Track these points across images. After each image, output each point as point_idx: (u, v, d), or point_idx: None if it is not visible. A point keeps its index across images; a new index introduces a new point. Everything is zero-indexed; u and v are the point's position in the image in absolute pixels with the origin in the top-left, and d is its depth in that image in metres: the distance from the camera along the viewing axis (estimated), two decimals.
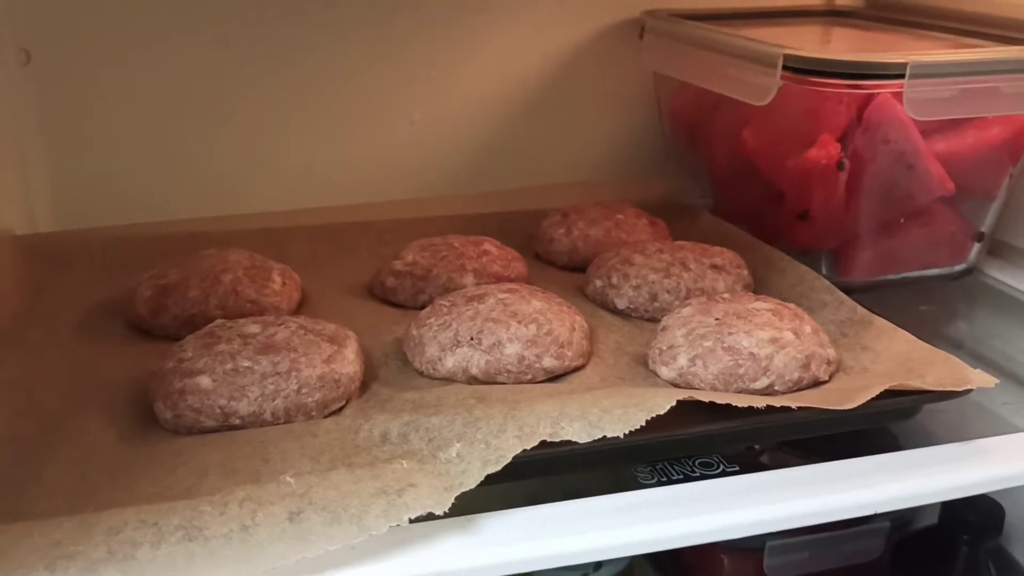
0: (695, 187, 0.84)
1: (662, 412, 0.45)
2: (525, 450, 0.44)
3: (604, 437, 0.44)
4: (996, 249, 0.75)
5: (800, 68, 0.64)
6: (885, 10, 0.87)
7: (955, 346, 0.66)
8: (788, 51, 0.64)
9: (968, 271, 0.74)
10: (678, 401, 0.46)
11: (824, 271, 0.71)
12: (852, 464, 0.50)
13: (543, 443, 0.44)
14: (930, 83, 0.62)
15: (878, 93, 0.64)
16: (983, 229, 0.73)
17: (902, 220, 0.70)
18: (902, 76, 0.61)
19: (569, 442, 0.44)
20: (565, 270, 0.74)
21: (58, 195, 0.76)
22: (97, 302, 0.66)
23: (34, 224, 0.74)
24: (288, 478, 0.43)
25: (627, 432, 0.44)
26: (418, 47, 0.82)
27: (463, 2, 0.82)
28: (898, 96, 0.63)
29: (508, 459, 0.43)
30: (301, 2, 0.78)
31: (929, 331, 0.60)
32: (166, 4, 0.75)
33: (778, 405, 0.48)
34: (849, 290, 0.64)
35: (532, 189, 0.84)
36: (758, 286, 0.68)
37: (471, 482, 0.42)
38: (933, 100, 0.63)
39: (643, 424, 0.44)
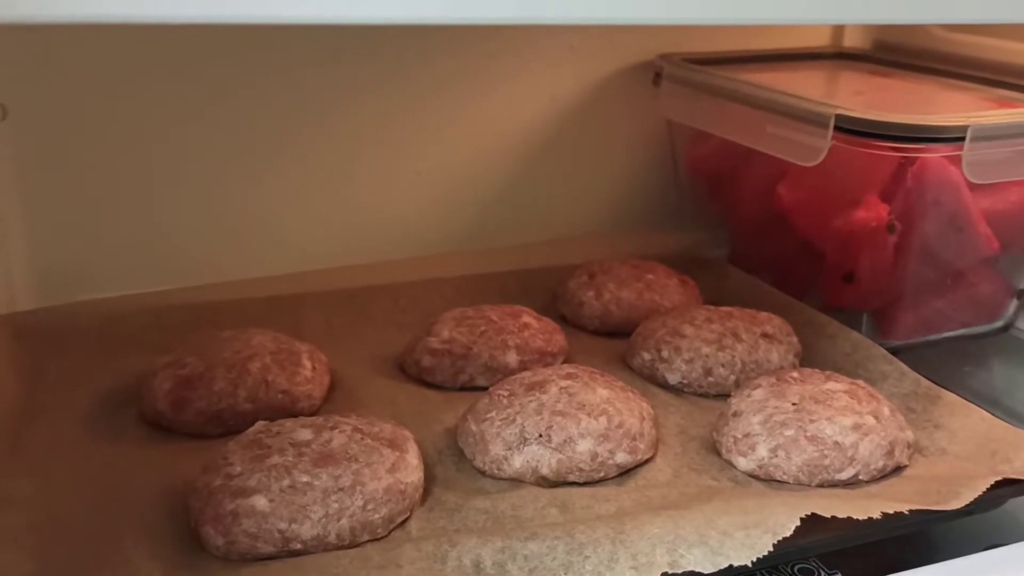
0: (712, 238, 0.81)
1: (788, 534, 0.41)
2: None
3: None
4: None
5: (853, 129, 0.61)
6: (893, 53, 0.86)
7: (1010, 414, 0.64)
8: (840, 111, 0.61)
9: (1004, 328, 0.73)
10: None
11: (864, 333, 0.68)
12: (960, 565, 0.47)
13: None
14: (990, 145, 0.60)
15: (935, 157, 0.61)
16: (1022, 287, 0.71)
17: (949, 281, 0.67)
18: (962, 139, 0.59)
19: None
20: (596, 335, 0.70)
21: (39, 266, 0.69)
22: (102, 391, 0.59)
23: (13, 302, 0.67)
24: None
25: (755, 560, 0.40)
26: (423, 96, 0.77)
27: (469, 51, 0.78)
28: (950, 157, 0.61)
29: None
30: (301, 57, 0.72)
31: (980, 396, 0.58)
32: (156, 63, 0.68)
33: (892, 512, 0.45)
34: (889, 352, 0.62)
35: (546, 243, 0.80)
36: (806, 353, 0.65)
37: None
38: (991, 163, 0.61)
39: (771, 549, 0.40)
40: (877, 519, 0.44)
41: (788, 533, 0.41)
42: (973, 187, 0.64)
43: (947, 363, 0.69)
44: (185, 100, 0.70)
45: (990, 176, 0.61)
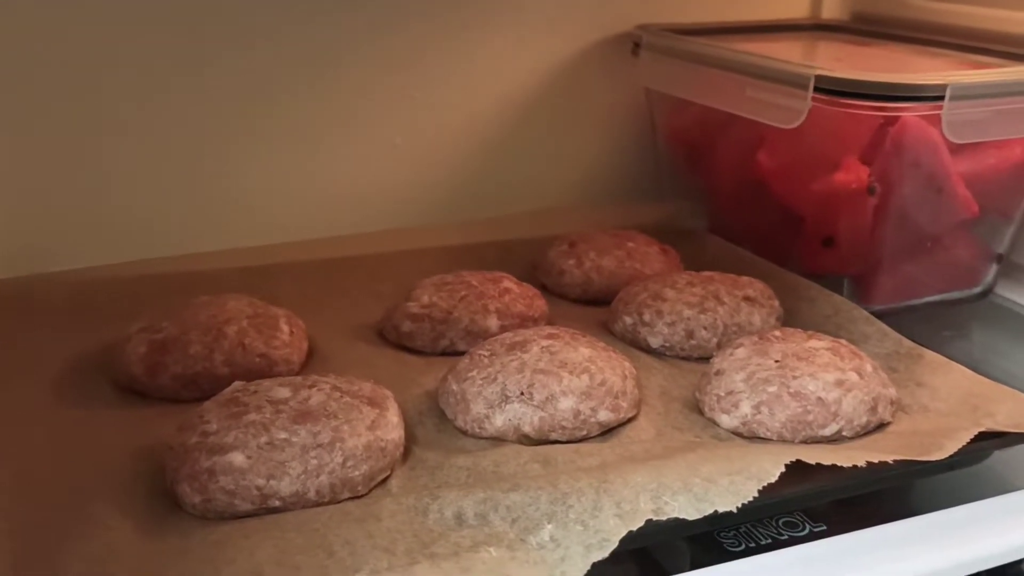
0: (692, 209, 0.81)
1: (773, 480, 0.41)
2: (630, 532, 0.39)
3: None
4: (1008, 270, 0.74)
5: (832, 89, 0.61)
6: (872, 24, 0.86)
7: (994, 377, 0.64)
8: (820, 71, 0.61)
9: (983, 294, 0.73)
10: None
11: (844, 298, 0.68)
12: (942, 517, 0.47)
13: None
14: (968, 105, 0.60)
15: (914, 115, 0.61)
16: (1001, 251, 0.71)
17: (929, 244, 0.67)
18: (941, 98, 0.59)
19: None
20: (577, 303, 0.69)
21: (3, 241, 0.67)
22: (72, 358, 0.58)
23: None
24: None
25: (740, 506, 0.40)
26: (400, 67, 0.76)
27: (445, 19, 0.77)
28: (929, 118, 0.61)
29: (614, 543, 0.38)
30: (276, 26, 0.71)
31: (959, 362, 0.58)
32: (124, 30, 0.67)
33: (877, 461, 0.44)
34: None
35: (525, 215, 0.80)
36: (788, 317, 0.64)
37: (575, 572, 0.38)
38: (971, 122, 0.60)
39: (756, 495, 0.40)
40: (862, 467, 0.43)
41: (773, 479, 0.41)
42: (952, 149, 0.64)
43: (927, 329, 0.69)
44: (158, 69, 0.69)
45: (969, 135, 0.61)
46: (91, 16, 0.66)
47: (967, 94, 0.59)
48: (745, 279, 0.64)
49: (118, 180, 0.70)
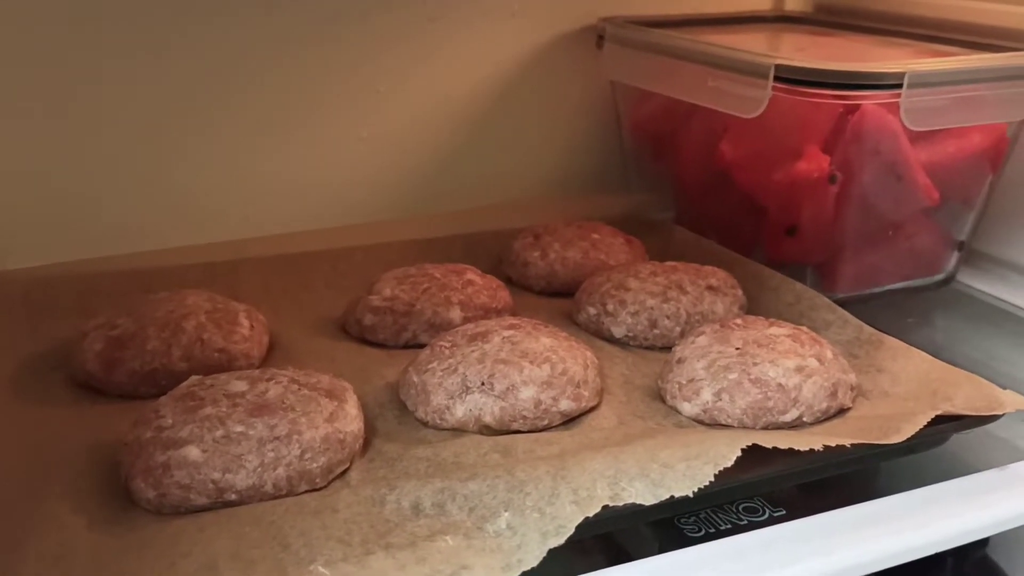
0: (657, 200, 0.81)
1: (729, 464, 0.41)
2: (587, 518, 0.39)
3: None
4: (969, 258, 0.74)
5: (792, 78, 0.61)
6: (835, 15, 0.86)
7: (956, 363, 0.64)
8: (780, 61, 0.61)
9: (945, 281, 0.73)
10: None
11: (807, 286, 0.69)
12: (900, 500, 0.47)
13: None
14: (926, 92, 0.60)
15: (873, 103, 0.62)
16: (962, 238, 0.72)
17: (890, 232, 0.68)
18: (899, 86, 0.59)
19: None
20: (542, 295, 0.69)
21: None
22: (29, 355, 0.57)
23: None
24: (321, 568, 0.37)
25: (696, 490, 0.40)
26: (365, 60, 0.76)
27: (411, 13, 0.77)
28: (888, 106, 0.61)
29: (571, 530, 0.38)
30: (235, 15, 0.71)
31: (923, 348, 0.58)
32: (82, 16, 0.66)
33: (834, 444, 0.45)
34: None
35: (491, 208, 0.80)
36: (751, 305, 0.65)
37: (531, 559, 0.38)
38: (928, 110, 0.61)
39: (712, 479, 0.40)
40: (819, 451, 0.44)
41: (729, 463, 0.41)
42: (912, 137, 0.65)
43: (890, 316, 0.69)
44: (118, 60, 0.68)
45: (927, 123, 0.61)
46: (47, 4, 0.65)
47: (924, 82, 0.60)
48: (708, 268, 0.65)
49: (78, 175, 0.70)
